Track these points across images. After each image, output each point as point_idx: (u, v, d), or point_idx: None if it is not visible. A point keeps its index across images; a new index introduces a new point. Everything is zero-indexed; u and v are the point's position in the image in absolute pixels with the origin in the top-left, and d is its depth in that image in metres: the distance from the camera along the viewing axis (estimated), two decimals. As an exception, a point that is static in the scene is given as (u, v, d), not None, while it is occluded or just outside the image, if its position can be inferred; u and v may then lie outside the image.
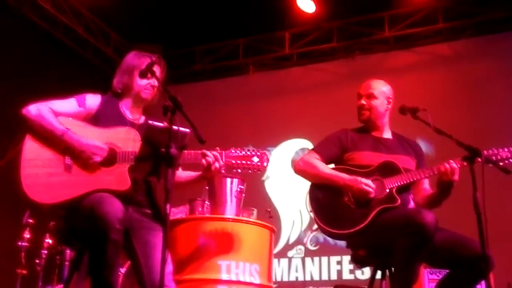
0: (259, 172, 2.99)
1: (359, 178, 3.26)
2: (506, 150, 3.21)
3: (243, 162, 2.93)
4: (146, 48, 3.20)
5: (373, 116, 3.52)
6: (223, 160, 2.90)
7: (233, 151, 2.94)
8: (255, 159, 2.94)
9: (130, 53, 3.22)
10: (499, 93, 7.27)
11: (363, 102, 3.54)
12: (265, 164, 2.96)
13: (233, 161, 2.92)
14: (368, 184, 3.24)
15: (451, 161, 3.19)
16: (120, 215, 2.56)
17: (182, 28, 8.03)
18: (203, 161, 2.88)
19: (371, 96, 3.52)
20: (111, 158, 2.83)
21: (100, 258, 2.56)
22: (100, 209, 2.54)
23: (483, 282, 3.43)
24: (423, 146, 4.53)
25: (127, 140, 2.87)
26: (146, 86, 3.07)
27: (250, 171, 2.96)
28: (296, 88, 8.50)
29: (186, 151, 2.83)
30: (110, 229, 2.52)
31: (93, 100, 3.01)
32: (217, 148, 2.93)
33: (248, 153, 2.95)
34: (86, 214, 2.59)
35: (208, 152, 2.88)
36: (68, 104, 2.95)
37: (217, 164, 2.88)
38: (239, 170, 2.97)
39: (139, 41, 3.30)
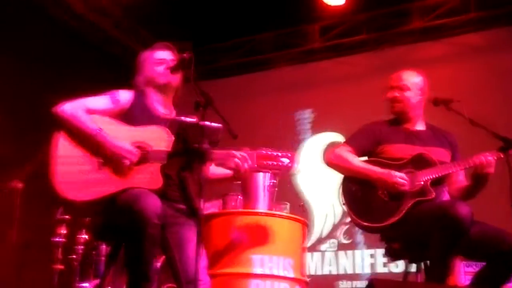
0: (287, 172, 2.99)
1: (393, 171, 3.23)
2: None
3: (273, 163, 2.92)
4: (176, 45, 3.21)
5: (406, 108, 3.48)
6: (254, 160, 2.89)
7: (263, 151, 2.93)
8: (285, 160, 2.94)
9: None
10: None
11: (395, 94, 3.50)
12: (294, 165, 2.95)
13: (264, 162, 2.92)
14: (402, 177, 3.21)
15: (487, 153, 3.14)
16: (158, 210, 2.59)
17: (210, 23, 8.05)
18: (232, 164, 2.87)
19: (403, 88, 3.48)
20: (143, 157, 2.85)
21: (138, 252, 2.60)
22: (138, 204, 2.56)
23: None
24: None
25: (159, 139, 2.88)
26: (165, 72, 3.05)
27: (278, 171, 2.96)
28: (326, 81, 8.44)
29: (215, 151, 2.83)
30: (148, 224, 2.54)
31: (126, 97, 3.04)
32: (247, 148, 2.93)
33: (278, 153, 2.94)
34: (124, 209, 2.62)
35: (237, 153, 2.86)
36: (102, 102, 2.98)
37: (246, 165, 2.87)
38: (268, 170, 2.98)
39: (168, 37, 3.30)
